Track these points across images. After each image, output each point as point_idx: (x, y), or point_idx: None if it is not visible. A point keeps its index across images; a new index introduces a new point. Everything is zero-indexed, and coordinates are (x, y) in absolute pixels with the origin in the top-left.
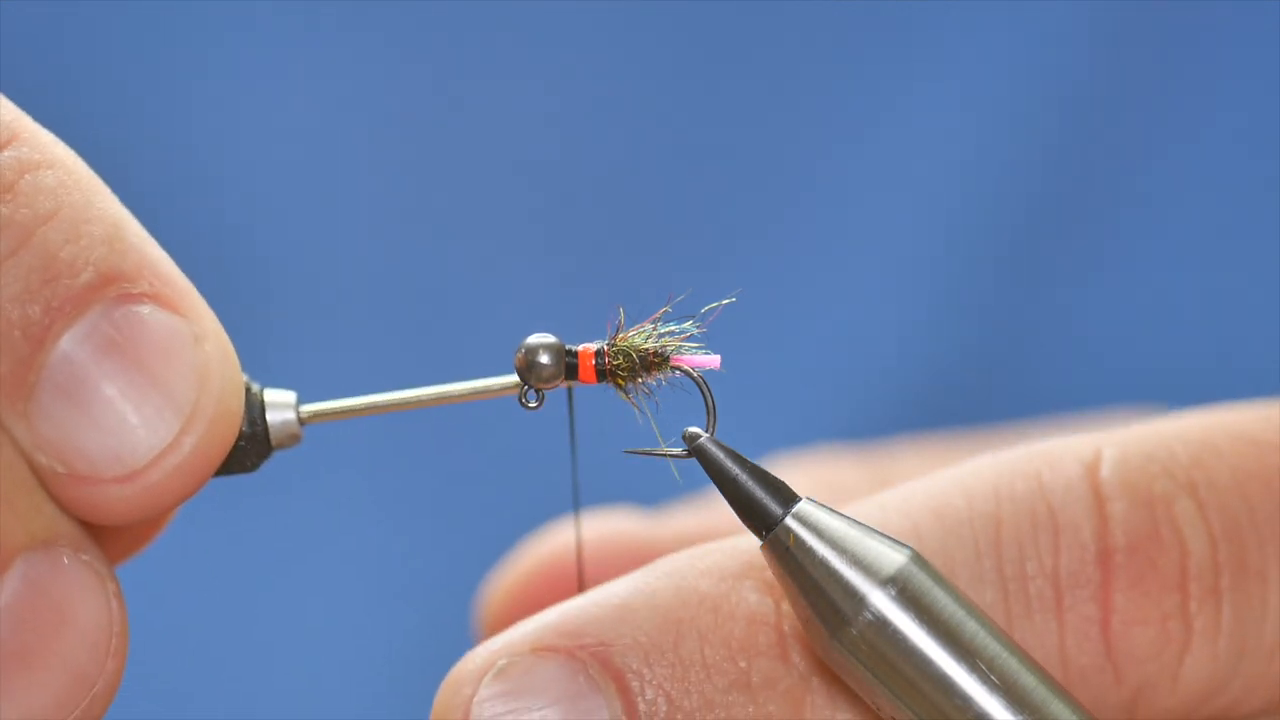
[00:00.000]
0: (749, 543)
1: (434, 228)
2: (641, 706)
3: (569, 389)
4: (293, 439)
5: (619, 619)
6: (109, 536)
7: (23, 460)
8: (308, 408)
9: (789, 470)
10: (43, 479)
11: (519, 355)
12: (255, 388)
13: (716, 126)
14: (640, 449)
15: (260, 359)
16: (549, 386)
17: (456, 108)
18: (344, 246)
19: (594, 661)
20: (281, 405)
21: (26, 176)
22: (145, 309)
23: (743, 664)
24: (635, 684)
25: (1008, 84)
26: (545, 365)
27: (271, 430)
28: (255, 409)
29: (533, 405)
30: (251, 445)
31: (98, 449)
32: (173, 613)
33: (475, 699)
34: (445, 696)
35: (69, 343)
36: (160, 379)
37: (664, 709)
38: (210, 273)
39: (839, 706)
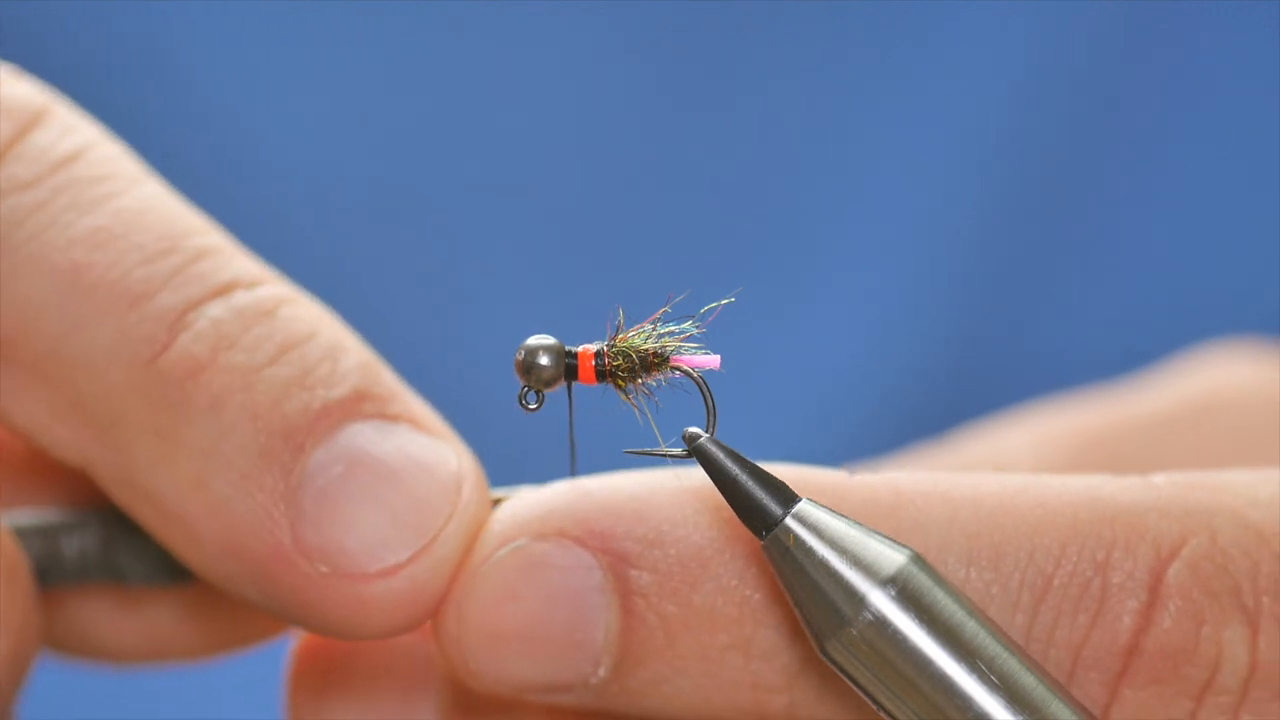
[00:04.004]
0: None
1: (433, 228)
2: (640, 632)
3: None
4: None
5: (651, 538)
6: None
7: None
8: None
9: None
10: (303, 585)
11: (519, 356)
12: None
13: (716, 128)
14: (640, 449)
15: None
16: (549, 388)
17: (458, 107)
18: (344, 246)
19: (611, 572)
20: None
21: (284, 308)
22: (401, 428)
23: (748, 631)
24: (641, 606)
25: (1004, 91)
26: (545, 366)
27: None
28: None
29: (533, 406)
30: None
31: (359, 546)
32: None
33: (490, 560)
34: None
35: (328, 451)
36: (421, 485)
37: (660, 641)
38: None
39: (825, 702)
